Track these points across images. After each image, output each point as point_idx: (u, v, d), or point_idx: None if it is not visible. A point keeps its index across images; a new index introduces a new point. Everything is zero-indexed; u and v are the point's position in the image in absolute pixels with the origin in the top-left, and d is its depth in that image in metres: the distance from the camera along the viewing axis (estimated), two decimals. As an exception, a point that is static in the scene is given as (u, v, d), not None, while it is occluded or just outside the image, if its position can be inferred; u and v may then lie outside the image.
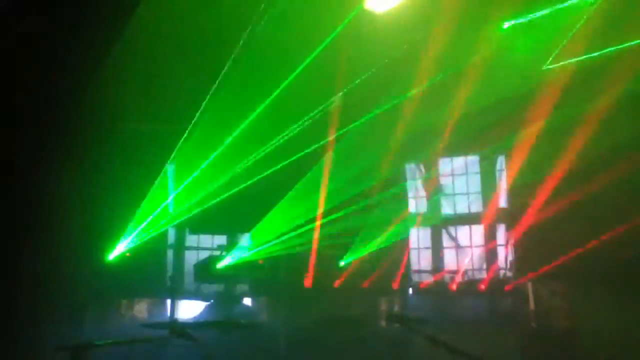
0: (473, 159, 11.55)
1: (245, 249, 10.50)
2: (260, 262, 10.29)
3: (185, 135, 9.11)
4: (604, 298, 7.93)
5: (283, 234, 10.09)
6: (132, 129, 9.28)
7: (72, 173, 8.00)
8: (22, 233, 7.28)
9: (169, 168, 10.03)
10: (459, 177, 11.73)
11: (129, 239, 9.28)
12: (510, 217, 10.77)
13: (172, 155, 9.54)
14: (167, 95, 8.80)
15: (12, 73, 5.84)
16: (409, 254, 11.57)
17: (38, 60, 5.96)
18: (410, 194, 12.00)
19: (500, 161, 11.12)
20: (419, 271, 11.58)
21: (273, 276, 10.22)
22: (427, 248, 11.72)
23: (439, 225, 11.63)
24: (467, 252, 11.43)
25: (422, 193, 12.00)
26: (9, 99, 6.08)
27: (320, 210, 10.19)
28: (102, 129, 8.59)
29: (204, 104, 8.66)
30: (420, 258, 11.71)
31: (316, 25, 7.62)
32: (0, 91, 5.91)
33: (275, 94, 8.48)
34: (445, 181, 11.86)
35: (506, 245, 10.91)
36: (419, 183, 12.06)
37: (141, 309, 10.18)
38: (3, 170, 6.52)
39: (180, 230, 10.99)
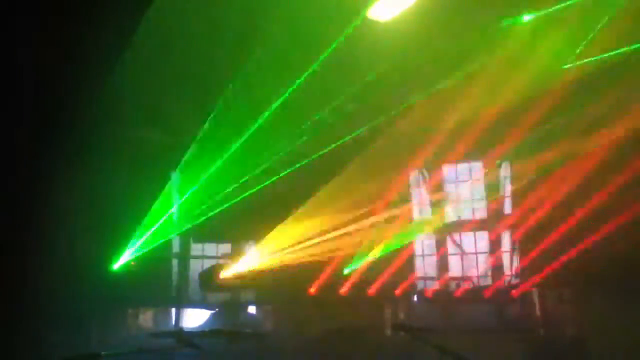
0: (477, 165, 11.54)
1: (250, 257, 10.49)
2: (265, 270, 10.27)
3: (190, 143, 9.13)
4: (612, 304, 7.89)
5: (288, 242, 10.08)
6: (137, 137, 9.30)
7: (76, 182, 8.01)
8: (25, 241, 7.28)
9: (174, 176, 10.04)
10: (464, 183, 11.71)
11: (134, 248, 9.27)
12: (515, 223, 10.73)
13: (177, 163, 9.57)
14: (173, 104, 8.82)
15: (15, 75, 5.85)
16: (413, 261, 11.55)
17: (45, 62, 5.97)
18: (414, 201, 11.98)
19: (505, 167, 11.10)
20: (424, 278, 11.54)
21: (278, 284, 10.19)
22: (431, 255, 11.70)
23: (444, 232, 11.60)
24: (472, 259, 11.39)
25: (427, 200, 11.98)
26: (12, 105, 6.09)
27: (325, 217, 10.17)
28: (107, 137, 8.60)
29: (208, 112, 8.69)
30: (425, 265, 11.67)
31: (319, 34, 7.64)
32: (4, 96, 5.92)
33: (280, 102, 8.50)
34: (449, 188, 11.84)
35: (511, 251, 10.86)
36: (423, 190, 12.05)
37: (146, 319, 10.18)
38: (6, 178, 6.52)
39: (185, 238, 10.98)
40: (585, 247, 8.47)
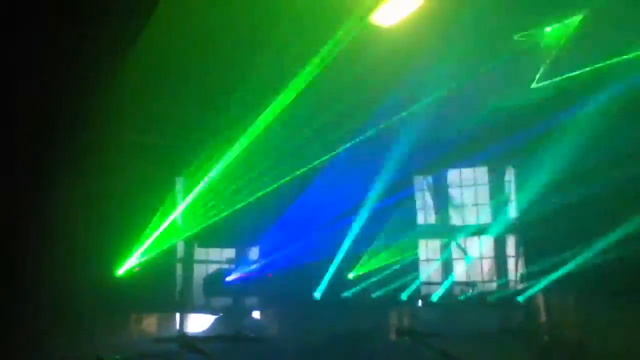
0: (482, 170, 11.54)
1: (254, 262, 10.49)
2: (269, 275, 10.28)
3: (195, 148, 9.15)
4: (616, 308, 7.85)
5: (292, 247, 10.08)
6: (142, 142, 9.32)
7: (80, 186, 8.03)
8: (31, 248, 7.29)
9: (178, 181, 10.06)
10: (468, 188, 11.71)
11: (138, 253, 9.28)
12: (519, 228, 10.71)
13: (182, 168, 9.59)
14: (178, 109, 8.85)
15: (15, 75, 5.85)
16: (418, 266, 11.53)
17: (46, 65, 5.97)
18: (419, 206, 11.98)
19: (509, 172, 11.09)
20: (429, 283, 11.52)
21: (282, 289, 10.19)
22: (436, 260, 11.68)
23: (448, 237, 11.59)
24: (476, 264, 11.37)
25: (431, 205, 11.98)
26: (12, 105, 6.10)
27: (330, 222, 10.18)
28: (111, 141, 8.63)
29: (213, 117, 8.71)
30: (429, 270, 11.67)
31: (323, 39, 7.66)
32: (4, 96, 5.92)
33: (285, 106, 8.51)
34: (454, 193, 11.83)
35: (516, 256, 10.84)
36: (428, 195, 12.05)
37: (151, 323, 10.17)
38: (7, 178, 6.53)
39: (189, 244, 10.99)
40: (591, 251, 8.45)
